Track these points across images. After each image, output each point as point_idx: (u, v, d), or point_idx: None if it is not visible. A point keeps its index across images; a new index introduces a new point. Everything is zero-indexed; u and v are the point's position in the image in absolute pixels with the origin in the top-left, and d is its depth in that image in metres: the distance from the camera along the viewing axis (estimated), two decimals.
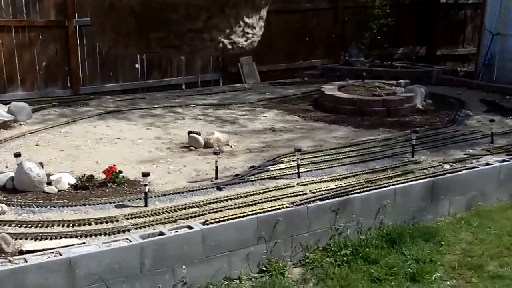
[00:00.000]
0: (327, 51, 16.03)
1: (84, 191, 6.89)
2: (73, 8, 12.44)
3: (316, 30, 15.87)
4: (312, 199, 6.62)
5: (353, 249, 6.31)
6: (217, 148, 8.24)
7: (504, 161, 7.94)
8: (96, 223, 5.98)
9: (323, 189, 6.95)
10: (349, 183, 7.15)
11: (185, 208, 6.35)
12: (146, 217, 6.14)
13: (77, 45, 12.64)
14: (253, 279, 5.94)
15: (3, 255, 5.18)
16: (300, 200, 6.58)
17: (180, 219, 6.08)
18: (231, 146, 8.88)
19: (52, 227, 5.87)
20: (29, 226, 5.85)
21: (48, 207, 6.38)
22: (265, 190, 6.91)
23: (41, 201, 6.53)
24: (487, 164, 7.84)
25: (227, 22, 1.30)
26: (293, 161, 7.68)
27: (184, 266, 5.60)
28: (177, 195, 6.78)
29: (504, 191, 7.86)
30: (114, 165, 7.30)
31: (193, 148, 8.67)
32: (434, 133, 9.60)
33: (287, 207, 6.39)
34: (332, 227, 6.46)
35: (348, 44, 15.31)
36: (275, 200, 6.62)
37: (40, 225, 5.88)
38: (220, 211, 6.29)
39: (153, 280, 5.49)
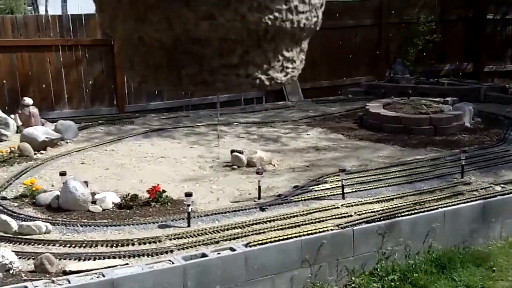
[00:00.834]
0: (371, 68, 15.86)
1: (128, 211, 6.89)
2: None
3: (360, 47, 15.73)
4: (358, 221, 6.47)
5: (401, 274, 6.13)
6: (260, 167, 8.17)
7: None
8: (140, 244, 5.96)
9: (369, 211, 6.79)
10: (396, 205, 6.97)
11: (227, 229, 6.28)
12: (188, 237, 6.09)
13: None
14: None
15: (47, 275, 5.18)
16: (345, 222, 6.43)
17: (222, 240, 6.01)
18: (274, 165, 8.79)
19: (96, 247, 5.86)
20: (73, 246, 5.86)
21: (92, 226, 6.40)
22: (309, 212, 6.79)
23: (85, 220, 6.55)
24: None
25: (264, 57, 1.20)
26: (338, 181, 7.54)
27: None
28: (220, 215, 6.72)
29: None
30: (158, 184, 7.29)
31: (236, 167, 8.62)
32: (484, 152, 9.31)
33: (332, 229, 6.25)
34: (379, 250, 6.29)
35: (393, 60, 15.11)
36: (319, 222, 6.49)
37: (84, 245, 5.89)
38: (263, 232, 6.19)
39: None
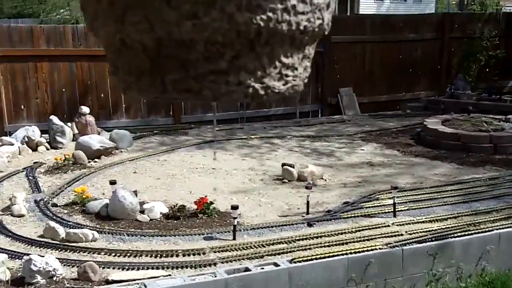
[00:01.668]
0: (431, 83, 15.49)
1: (175, 221, 6.89)
2: None
3: (420, 61, 15.39)
4: (408, 241, 6.26)
5: None
6: (311, 182, 8.04)
7: None
8: (184, 255, 5.93)
9: (421, 230, 6.57)
10: (449, 225, 6.72)
11: (273, 244, 6.19)
12: (233, 251, 6.02)
13: None
14: None
15: (89, 284, 5.20)
16: (395, 242, 6.24)
17: (267, 255, 5.92)
18: (326, 180, 8.65)
19: (140, 257, 5.87)
20: (118, 255, 5.88)
21: (139, 236, 6.42)
22: (357, 229, 6.62)
23: (132, 230, 6.58)
24: None
25: (258, 62, 1.05)
26: (390, 198, 7.33)
27: None
28: (266, 229, 6.64)
29: None
30: (206, 196, 7.27)
31: (286, 180, 8.52)
32: None
33: (380, 248, 6.07)
34: (429, 272, 6.06)
35: (454, 76, 14.72)
36: (368, 240, 6.32)
37: (128, 254, 5.90)
38: (309, 248, 6.07)
39: None
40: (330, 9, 1.14)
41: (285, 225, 6.75)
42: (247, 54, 1.05)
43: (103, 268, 5.54)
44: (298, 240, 6.31)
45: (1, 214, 7.01)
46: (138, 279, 5.30)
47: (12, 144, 9.68)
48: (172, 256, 5.92)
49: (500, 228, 6.58)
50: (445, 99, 13.91)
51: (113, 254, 5.90)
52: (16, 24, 20.25)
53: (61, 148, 10.14)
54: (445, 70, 15.55)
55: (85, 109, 10.81)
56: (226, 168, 9.29)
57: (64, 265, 5.54)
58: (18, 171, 8.81)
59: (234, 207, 6.36)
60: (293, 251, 6.01)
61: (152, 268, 5.61)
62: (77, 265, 5.50)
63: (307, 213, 7.12)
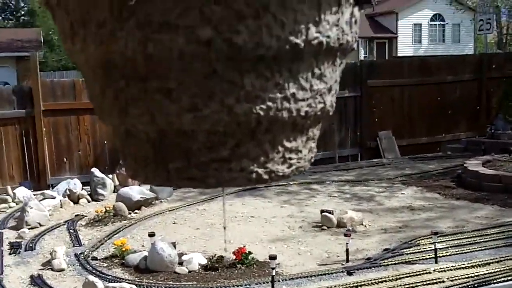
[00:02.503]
0: (471, 124, 15.32)
1: (213, 272, 6.88)
2: None
3: (459, 102, 15.26)
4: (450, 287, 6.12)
5: None
6: (350, 228, 7.96)
7: None
8: None
9: (463, 276, 6.41)
10: (492, 270, 6.54)
11: None
12: None
13: None
14: None
15: None
16: None
17: None
18: (365, 226, 8.55)
19: None
20: None
21: None
22: (398, 277, 6.50)
23: (170, 283, 6.59)
24: None
25: (260, 149, 1.07)
26: (431, 244, 7.20)
27: None
28: (305, 279, 6.57)
29: None
30: (244, 246, 7.26)
31: (325, 227, 8.45)
32: None
33: None
34: None
35: (494, 116, 14.52)
36: None
37: None
38: None
39: None
40: (332, 91, 1.15)
41: (324, 274, 6.67)
42: (249, 142, 1.06)
43: None
44: None
45: (41, 268, 7.12)
46: None
47: (54, 198, 9.89)
48: None
49: None
50: (485, 140, 13.70)
51: None
52: (61, 77, 20.87)
53: (102, 200, 10.30)
54: (485, 110, 15.38)
55: None
56: (265, 216, 9.28)
57: None
58: (59, 224, 8.97)
59: (272, 257, 6.32)
60: None
61: None
62: None
63: (347, 261, 7.04)
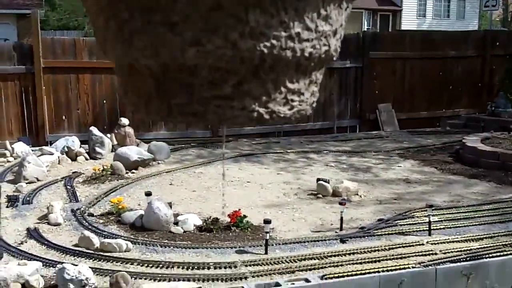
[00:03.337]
0: (472, 100, 15.30)
1: (208, 234, 6.93)
2: None
3: (461, 78, 15.22)
4: (442, 260, 6.17)
5: None
6: (345, 198, 8.00)
7: None
8: (215, 268, 5.96)
9: (455, 250, 6.47)
10: (485, 245, 6.60)
11: (305, 259, 6.17)
12: (264, 265, 6.03)
13: None
14: None
15: None
16: (429, 261, 6.16)
17: (298, 270, 5.90)
18: (361, 196, 8.59)
19: (172, 269, 5.92)
20: (150, 266, 5.95)
21: (171, 247, 6.47)
22: (391, 247, 6.56)
23: (165, 241, 6.64)
24: None
25: (263, 88, 1.07)
26: (425, 216, 7.25)
27: None
28: (299, 244, 6.62)
29: None
30: (239, 209, 7.30)
31: (321, 196, 8.49)
32: None
33: (413, 267, 6.00)
34: None
35: (495, 94, 14.49)
36: (401, 258, 6.25)
37: (161, 265, 5.96)
38: (341, 265, 6.03)
39: None
40: (338, 35, 1.14)
41: (318, 240, 6.72)
42: (252, 80, 1.07)
43: (135, 278, 5.60)
44: (330, 256, 6.28)
45: (38, 222, 7.17)
46: None
47: (52, 154, 9.89)
48: (203, 268, 5.95)
49: None
50: (485, 117, 13.71)
51: (146, 265, 5.96)
52: (61, 36, 20.73)
53: (100, 158, 10.32)
54: (486, 87, 15.35)
55: (124, 120, 10.99)
56: (261, 182, 9.32)
57: (97, 274, 5.63)
58: (57, 180, 9.00)
59: (267, 221, 6.37)
60: (325, 267, 5.98)
61: (184, 280, 5.65)
62: (110, 274, 5.57)
63: (341, 229, 7.09)
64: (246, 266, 6.02)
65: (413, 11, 43.85)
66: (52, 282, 5.50)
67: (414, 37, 15.25)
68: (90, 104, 12.23)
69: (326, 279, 5.65)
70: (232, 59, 1.03)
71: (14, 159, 10.10)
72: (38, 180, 8.86)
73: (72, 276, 5.26)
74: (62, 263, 5.63)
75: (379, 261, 6.16)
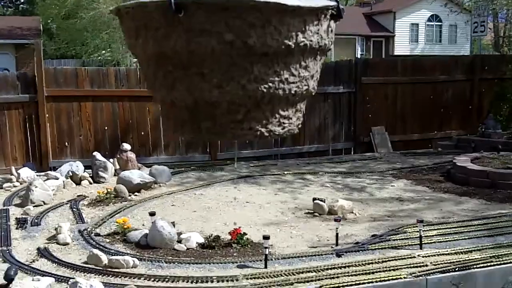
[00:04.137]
0: (463, 123, 15.75)
1: (210, 250, 7.26)
2: None
3: (452, 102, 15.70)
4: (433, 271, 6.51)
5: None
6: (340, 216, 8.35)
7: None
8: (218, 281, 6.28)
9: (445, 261, 6.81)
10: (473, 257, 6.95)
11: (302, 272, 6.49)
12: (264, 278, 6.35)
13: None
14: None
15: None
16: (420, 272, 6.49)
17: (296, 282, 6.23)
18: (355, 214, 8.94)
19: (177, 282, 6.24)
20: (157, 280, 6.27)
21: (176, 263, 6.80)
22: (384, 260, 6.89)
23: (170, 258, 6.97)
24: None
25: (263, 115, 1.62)
26: (416, 232, 7.59)
27: None
28: (296, 259, 6.95)
29: None
30: (239, 227, 7.65)
31: (317, 214, 8.85)
32: None
33: (405, 277, 6.34)
34: None
35: (485, 116, 14.95)
36: (393, 270, 6.58)
37: (166, 279, 6.28)
38: (337, 277, 6.36)
39: None
40: (314, 78, 1.72)
41: (315, 255, 7.06)
42: (256, 110, 1.63)
43: None
44: (327, 269, 6.60)
45: (47, 242, 7.49)
46: None
47: (57, 178, 10.25)
48: (206, 282, 6.27)
49: None
50: (475, 138, 14.13)
51: (152, 279, 6.28)
52: (59, 65, 21.14)
53: (103, 182, 10.67)
54: (476, 110, 15.80)
55: (126, 145, 11.38)
56: (259, 202, 9.67)
57: None
58: (63, 203, 9.34)
59: (266, 237, 6.71)
60: (321, 279, 6.30)
61: None
62: None
63: (336, 244, 7.43)
64: (247, 279, 6.34)
65: (406, 36, 44.60)
66: None
67: (405, 63, 15.73)
68: (92, 131, 12.60)
69: None
70: (243, 96, 1.59)
71: (20, 184, 10.46)
72: (44, 203, 9.20)
73: None
74: (74, 278, 5.95)
75: (372, 273, 6.48)
